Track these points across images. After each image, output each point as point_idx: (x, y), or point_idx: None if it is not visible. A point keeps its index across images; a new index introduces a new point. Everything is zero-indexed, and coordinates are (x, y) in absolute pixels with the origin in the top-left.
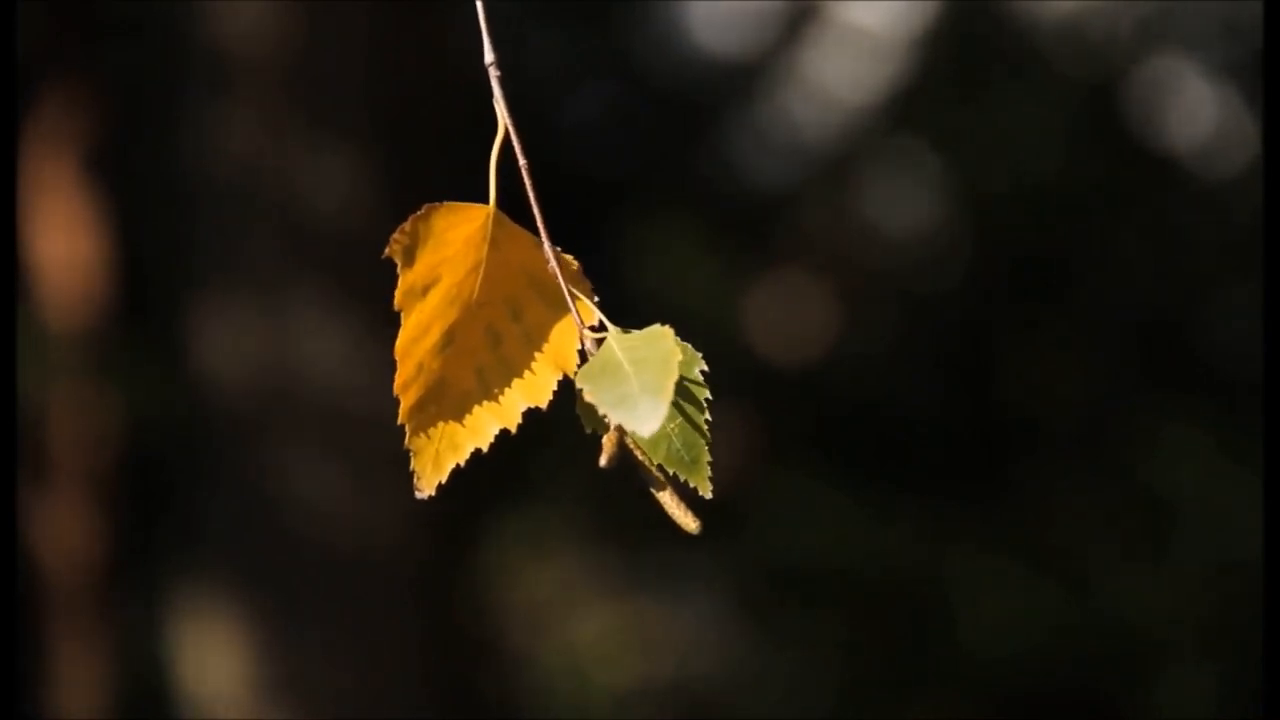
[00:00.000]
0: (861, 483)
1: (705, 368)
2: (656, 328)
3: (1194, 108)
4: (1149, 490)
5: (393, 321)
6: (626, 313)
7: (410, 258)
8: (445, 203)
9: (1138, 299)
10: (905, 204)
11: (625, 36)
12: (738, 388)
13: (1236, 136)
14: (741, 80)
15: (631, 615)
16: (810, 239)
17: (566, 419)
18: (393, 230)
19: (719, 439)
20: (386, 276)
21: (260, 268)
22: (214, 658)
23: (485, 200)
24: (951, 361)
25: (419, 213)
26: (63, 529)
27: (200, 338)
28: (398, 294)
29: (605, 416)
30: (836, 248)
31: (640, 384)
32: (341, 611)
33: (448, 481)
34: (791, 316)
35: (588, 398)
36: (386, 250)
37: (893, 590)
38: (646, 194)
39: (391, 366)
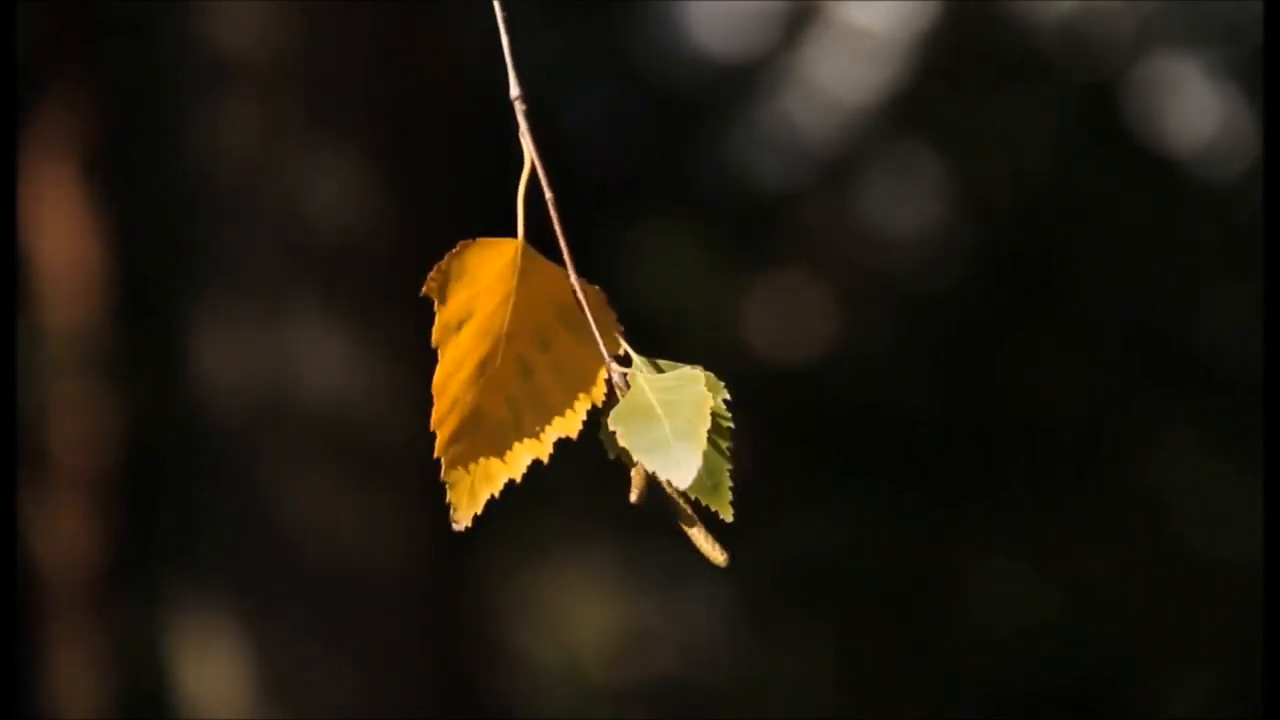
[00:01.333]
0: (861, 483)
1: (729, 397)
2: (688, 370)
3: (1194, 108)
4: (1149, 490)
5: (392, 322)
6: (626, 313)
7: (444, 295)
8: (478, 239)
9: (1138, 299)
10: (905, 205)
11: (625, 36)
12: (738, 388)
13: (1236, 136)
14: (741, 80)
15: (631, 615)
16: (810, 240)
17: None
18: (393, 232)
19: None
20: (386, 278)
21: (260, 268)
22: (213, 659)
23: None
24: (951, 361)
25: (454, 250)
26: (63, 529)
27: (200, 338)
28: (435, 331)
29: (639, 462)
30: (836, 248)
31: (673, 429)
32: (340, 612)
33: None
34: (791, 317)
35: (621, 442)
36: (423, 290)
37: (893, 590)
38: (646, 194)
39: (391, 366)
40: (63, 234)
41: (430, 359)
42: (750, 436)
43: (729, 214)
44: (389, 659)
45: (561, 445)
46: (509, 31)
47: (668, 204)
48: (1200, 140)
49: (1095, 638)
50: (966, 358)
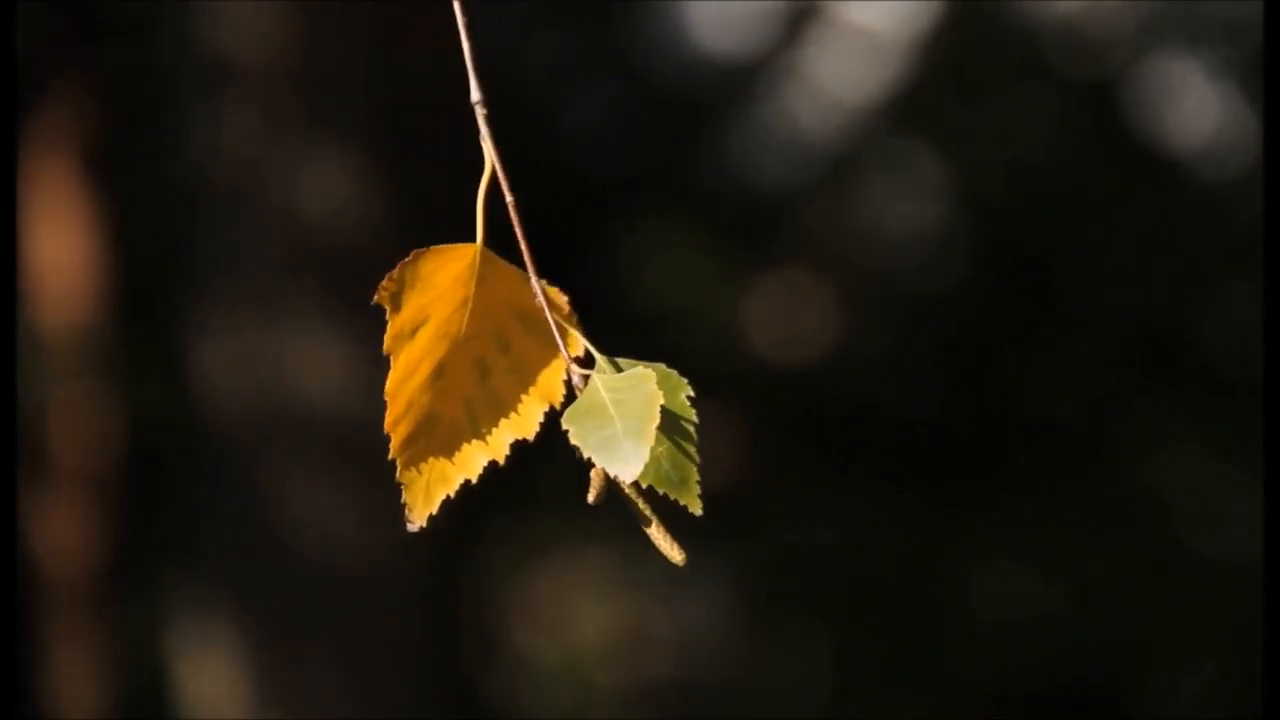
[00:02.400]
0: (862, 483)
1: (691, 394)
2: (640, 369)
3: (1194, 108)
4: (1149, 490)
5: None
6: (626, 313)
7: (398, 304)
8: (433, 246)
9: (1138, 299)
10: (905, 204)
11: (625, 36)
12: (738, 388)
13: (1237, 136)
14: (741, 80)
15: (631, 615)
16: (810, 239)
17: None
18: (392, 233)
19: (718, 437)
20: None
21: (259, 269)
22: (213, 659)
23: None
24: (951, 361)
25: (406, 259)
26: (63, 529)
27: (199, 339)
28: (387, 339)
29: (589, 459)
30: (836, 248)
31: (623, 427)
32: (340, 613)
33: (441, 505)
34: (792, 317)
35: (572, 440)
36: (375, 298)
37: (893, 590)
38: (647, 194)
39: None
40: (63, 234)
41: None
42: (750, 436)
43: (729, 214)
44: (389, 659)
45: (563, 444)
46: (470, 36)
47: (668, 204)
48: (1200, 140)
49: (1095, 638)
50: (966, 358)
